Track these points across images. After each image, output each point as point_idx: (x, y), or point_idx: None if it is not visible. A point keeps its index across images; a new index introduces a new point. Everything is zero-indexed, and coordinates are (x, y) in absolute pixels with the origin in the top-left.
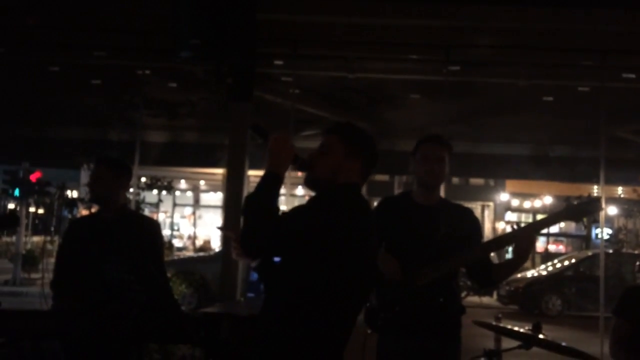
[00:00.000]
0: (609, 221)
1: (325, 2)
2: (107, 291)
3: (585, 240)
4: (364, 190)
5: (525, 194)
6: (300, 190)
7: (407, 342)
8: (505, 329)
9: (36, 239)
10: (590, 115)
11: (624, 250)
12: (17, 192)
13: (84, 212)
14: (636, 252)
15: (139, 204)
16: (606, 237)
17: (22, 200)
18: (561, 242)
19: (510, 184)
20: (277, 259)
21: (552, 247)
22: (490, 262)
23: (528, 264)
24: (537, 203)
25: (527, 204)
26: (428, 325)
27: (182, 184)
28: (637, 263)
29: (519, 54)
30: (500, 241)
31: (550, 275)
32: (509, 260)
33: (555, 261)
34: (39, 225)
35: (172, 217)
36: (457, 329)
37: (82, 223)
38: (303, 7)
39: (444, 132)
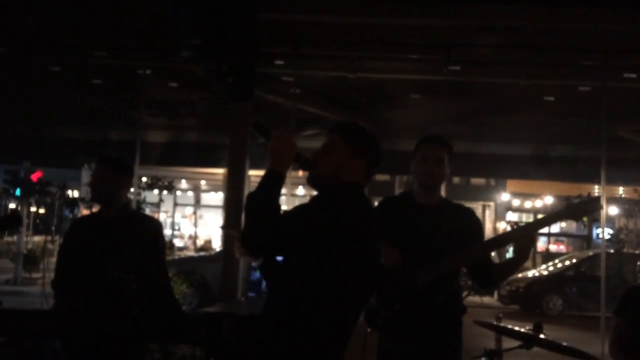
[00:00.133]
0: (610, 221)
1: (325, 2)
2: (108, 291)
3: (587, 240)
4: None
5: (526, 193)
6: (301, 190)
7: (408, 341)
8: (506, 328)
9: (37, 238)
10: (591, 115)
11: (625, 250)
12: (18, 192)
13: (85, 212)
14: (637, 252)
15: (140, 203)
16: (607, 237)
17: (23, 200)
18: (562, 242)
19: (511, 183)
20: (279, 257)
21: (553, 247)
22: (490, 261)
23: (529, 263)
24: (538, 203)
25: (528, 204)
26: (428, 324)
27: (183, 183)
28: (638, 263)
29: (520, 54)
30: (501, 240)
31: (551, 275)
32: (509, 259)
33: (556, 261)
34: (40, 225)
35: (173, 216)
36: (457, 329)
37: (83, 223)
38: (304, 6)
39: (445, 131)
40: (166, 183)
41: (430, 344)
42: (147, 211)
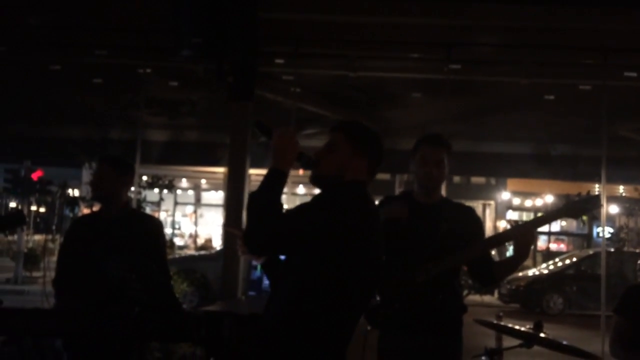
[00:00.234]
0: (611, 220)
1: (326, 1)
2: (108, 290)
3: (587, 238)
4: None
5: (527, 192)
6: (301, 189)
7: (408, 340)
8: (506, 327)
9: (38, 237)
10: (591, 113)
11: (626, 249)
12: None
13: (86, 211)
14: (637, 250)
15: (141, 202)
16: (608, 235)
17: (24, 199)
18: (562, 240)
19: (512, 182)
20: (282, 256)
21: (554, 246)
22: (490, 259)
23: (529, 262)
24: (539, 202)
25: (528, 203)
26: (428, 323)
27: (184, 182)
28: (639, 262)
29: (520, 53)
30: (500, 238)
31: (552, 274)
32: (509, 257)
33: (557, 260)
34: (41, 224)
35: (173, 215)
36: (458, 327)
37: (84, 222)
38: (304, 5)
39: (445, 130)
40: (167, 182)
41: (430, 342)
42: (148, 210)
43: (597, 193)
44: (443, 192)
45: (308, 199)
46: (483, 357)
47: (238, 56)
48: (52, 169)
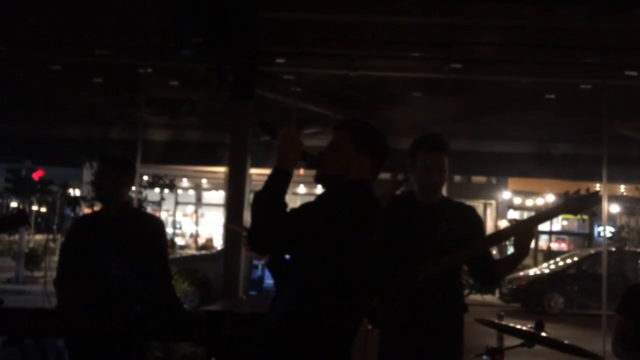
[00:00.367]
0: (612, 219)
1: (326, 0)
2: (109, 289)
3: (588, 238)
4: None
5: (528, 192)
6: (302, 189)
7: (409, 339)
8: (508, 327)
9: (39, 237)
10: (592, 112)
11: (627, 248)
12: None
13: (87, 211)
14: (639, 250)
15: (142, 202)
16: (609, 235)
17: (25, 199)
18: (564, 240)
19: (513, 182)
20: (287, 255)
21: (555, 245)
22: (491, 258)
23: (530, 262)
24: (540, 201)
25: (529, 202)
26: (429, 322)
27: (184, 182)
28: None
29: (521, 52)
30: (500, 236)
31: (553, 273)
32: (510, 255)
33: (558, 259)
34: (42, 224)
35: (174, 215)
36: (458, 327)
37: (85, 221)
38: (304, 5)
39: (446, 130)
40: (167, 182)
41: (431, 341)
42: (149, 209)
43: (596, 190)
44: (444, 191)
45: (309, 198)
46: (484, 357)
47: (238, 56)
48: (53, 168)
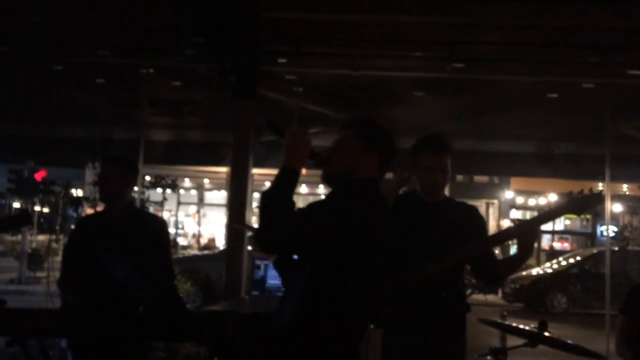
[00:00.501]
0: (614, 218)
1: (328, 0)
2: (112, 289)
3: (591, 237)
4: None
5: (530, 191)
6: (304, 188)
7: (411, 338)
8: (511, 326)
9: (41, 237)
10: (595, 112)
11: (630, 247)
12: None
13: (89, 211)
14: None
15: (144, 202)
16: (612, 234)
17: (28, 199)
18: (566, 239)
19: (515, 181)
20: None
21: (557, 245)
22: (494, 257)
23: (533, 261)
24: (542, 200)
25: (532, 202)
26: (431, 322)
27: (187, 182)
28: None
29: (523, 51)
30: (503, 236)
31: (556, 273)
32: (513, 255)
33: (561, 259)
34: (44, 224)
35: (176, 215)
36: (461, 326)
37: (88, 222)
38: (306, 4)
39: (448, 129)
40: (170, 182)
41: (433, 341)
42: (151, 210)
43: (599, 189)
44: (446, 191)
45: (311, 198)
46: (488, 357)
47: (240, 55)
48: (56, 169)
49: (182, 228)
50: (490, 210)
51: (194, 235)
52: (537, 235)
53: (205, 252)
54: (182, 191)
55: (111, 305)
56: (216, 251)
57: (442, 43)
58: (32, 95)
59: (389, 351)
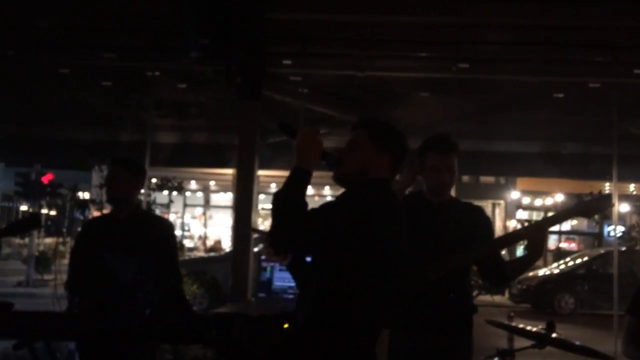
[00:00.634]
0: (622, 218)
1: (333, 1)
2: (119, 292)
3: (598, 237)
4: None
5: (537, 191)
6: (310, 190)
7: (419, 338)
8: (518, 328)
9: (49, 240)
10: (602, 111)
11: (638, 247)
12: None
13: (96, 214)
14: None
15: (150, 204)
16: (619, 234)
17: (35, 202)
18: (573, 239)
19: (521, 181)
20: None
21: (564, 245)
22: (501, 259)
23: (540, 262)
24: (549, 201)
25: (538, 202)
26: (438, 322)
27: (193, 184)
28: None
29: (529, 50)
30: (511, 237)
31: (563, 274)
32: (522, 256)
33: (568, 259)
34: (52, 227)
35: (182, 217)
36: (468, 327)
37: (95, 224)
38: (311, 5)
39: (454, 129)
40: (176, 184)
41: (440, 342)
42: (157, 212)
43: (608, 192)
44: (452, 192)
45: (317, 199)
46: (495, 358)
47: (245, 56)
48: (62, 172)
49: (188, 230)
50: (497, 210)
51: (200, 237)
52: (546, 236)
53: (212, 254)
54: (188, 193)
55: (118, 307)
56: (222, 253)
57: (448, 43)
58: (38, 99)
59: (396, 352)
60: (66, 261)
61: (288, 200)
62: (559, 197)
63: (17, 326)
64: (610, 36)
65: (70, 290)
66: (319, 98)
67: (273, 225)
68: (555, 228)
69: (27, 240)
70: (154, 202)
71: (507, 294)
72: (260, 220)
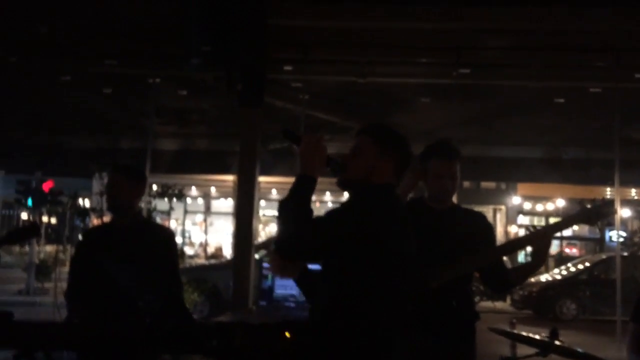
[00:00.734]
0: (623, 224)
1: (334, 7)
2: (120, 301)
3: (599, 243)
4: None
5: (538, 196)
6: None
7: (421, 346)
8: (521, 336)
9: (49, 248)
10: (603, 116)
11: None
12: (30, 202)
13: (96, 222)
14: None
15: (151, 212)
16: (621, 239)
17: (35, 210)
18: (575, 245)
19: (522, 186)
20: (314, 266)
21: (566, 251)
22: (503, 266)
23: (541, 267)
24: (550, 206)
25: (539, 207)
26: (440, 329)
27: (193, 190)
28: None
29: (529, 56)
30: (515, 244)
31: (565, 279)
32: (525, 263)
33: (569, 265)
34: (52, 235)
35: (183, 224)
36: (471, 335)
37: (95, 232)
38: (312, 12)
39: (455, 135)
40: (177, 191)
41: (443, 349)
42: (158, 219)
43: (610, 198)
44: (453, 197)
45: (318, 205)
46: None
47: (247, 63)
48: (63, 179)
49: (189, 237)
50: (498, 216)
51: (200, 244)
52: (550, 243)
53: (212, 261)
54: (188, 200)
55: (118, 316)
56: (223, 260)
57: (448, 49)
58: (39, 106)
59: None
60: (66, 269)
61: (294, 208)
62: (560, 203)
63: (17, 336)
64: (611, 40)
65: (70, 300)
66: (320, 104)
67: (280, 234)
68: (557, 233)
69: (27, 248)
70: (154, 209)
71: (508, 300)
72: (261, 226)
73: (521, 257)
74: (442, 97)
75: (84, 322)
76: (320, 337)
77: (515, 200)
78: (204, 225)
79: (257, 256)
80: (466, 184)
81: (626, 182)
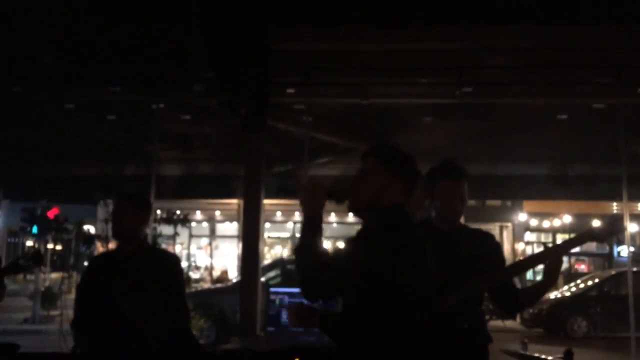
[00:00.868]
0: (631, 239)
1: (335, 30)
2: (126, 329)
3: (608, 258)
4: None
5: (544, 213)
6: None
7: None
8: (535, 358)
9: (55, 275)
10: (608, 132)
11: None
12: (35, 230)
13: (101, 249)
14: None
15: (156, 237)
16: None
17: (40, 237)
18: (583, 261)
19: (528, 203)
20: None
21: (575, 267)
22: (514, 287)
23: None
24: (557, 222)
25: (546, 224)
26: (453, 352)
27: (198, 215)
28: None
29: (532, 73)
30: (526, 264)
31: (574, 296)
32: (537, 283)
33: (579, 281)
34: (57, 262)
35: (188, 248)
36: (484, 358)
37: (101, 260)
38: (314, 35)
39: (460, 154)
40: (182, 217)
41: None
42: (163, 244)
43: (619, 214)
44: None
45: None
46: None
47: (250, 88)
48: (68, 206)
49: (195, 261)
50: (505, 233)
51: (206, 268)
52: (561, 262)
53: (218, 285)
54: (193, 224)
55: (125, 345)
56: (229, 284)
57: (451, 68)
58: (44, 134)
59: None
60: (72, 296)
61: (307, 252)
62: (567, 219)
63: None
64: (614, 57)
65: (77, 328)
66: (323, 126)
67: (301, 280)
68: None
69: (33, 276)
70: (159, 234)
71: (518, 319)
72: (266, 248)
73: (529, 274)
74: (445, 116)
75: (90, 352)
76: None
77: (522, 217)
78: (209, 249)
79: (263, 279)
80: (471, 202)
81: (633, 198)
